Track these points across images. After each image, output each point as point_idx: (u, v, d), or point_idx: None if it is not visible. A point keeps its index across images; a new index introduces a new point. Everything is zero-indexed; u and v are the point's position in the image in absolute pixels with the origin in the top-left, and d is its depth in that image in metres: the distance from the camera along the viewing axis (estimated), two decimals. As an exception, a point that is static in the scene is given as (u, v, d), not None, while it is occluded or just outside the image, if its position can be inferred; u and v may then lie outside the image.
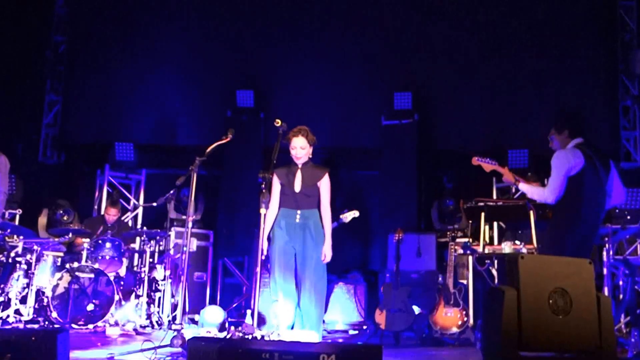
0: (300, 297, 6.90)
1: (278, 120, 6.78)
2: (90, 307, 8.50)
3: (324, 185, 7.03)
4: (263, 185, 6.59)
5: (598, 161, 6.52)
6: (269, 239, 7.01)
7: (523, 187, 6.74)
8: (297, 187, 6.96)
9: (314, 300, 6.86)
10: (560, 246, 6.15)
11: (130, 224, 11.47)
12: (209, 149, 6.94)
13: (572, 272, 4.70)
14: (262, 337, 6.41)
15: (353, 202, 11.09)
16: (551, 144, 6.84)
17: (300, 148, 6.96)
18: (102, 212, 10.73)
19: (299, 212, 6.94)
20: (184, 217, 10.32)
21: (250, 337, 6.20)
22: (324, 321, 9.49)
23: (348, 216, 8.94)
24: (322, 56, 12.35)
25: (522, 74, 11.94)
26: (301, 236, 6.92)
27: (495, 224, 10.88)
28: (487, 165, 7.01)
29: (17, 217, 10.39)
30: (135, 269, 9.57)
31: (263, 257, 6.82)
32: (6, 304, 8.52)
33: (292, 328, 7.01)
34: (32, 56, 12.53)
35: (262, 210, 6.50)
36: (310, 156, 7.09)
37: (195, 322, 9.46)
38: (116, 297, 8.66)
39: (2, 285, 8.62)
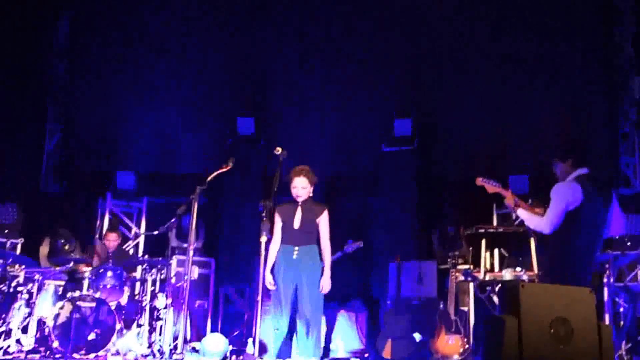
0: (298, 328, 7.08)
1: (279, 148, 6.94)
2: (91, 336, 8.44)
3: (323, 222, 7.25)
4: (264, 214, 6.66)
5: (598, 195, 6.46)
6: (272, 271, 7.18)
7: (521, 213, 6.67)
8: (297, 224, 7.16)
9: (311, 331, 7.04)
10: (558, 275, 6.10)
11: (131, 252, 11.43)
12: (209, 178, 7.08)
13: (573, 301, 4.68)
14: (264, 367, 6.41)
15: (353, 229, 11.09)
16: (553, 169, 6.77)
17: (302, 187, 7.19)
18: (102, 239, 10.69)
19: (296, 248, 7.14)
20: (185, 245, 10.26)
21: (251, 366, 6.18)
22: (329, 349, 9.74)
23: (352, 247, 8.98)
24: (322, 83, 12.39)
25: (522, 101, 11.94)
26: (299, 271, 7.09)
27: (496, 250, 10.84)
28: (491, 186, 6.94)
29: (19, 246, 10.40)
30: (136, 297, 9.52)
31: (273, 288, 7.14)
32: (7, 334, 8.48)
33: (290, 357, 7.19)
34: (33, 84, 12.55)
35: (263, 238, 6.60)
36: (311, 194, 7.28)
37: (197, 351, 9.40)
38: (117, 326, 8.60)
39: (3, 315, 8.58)
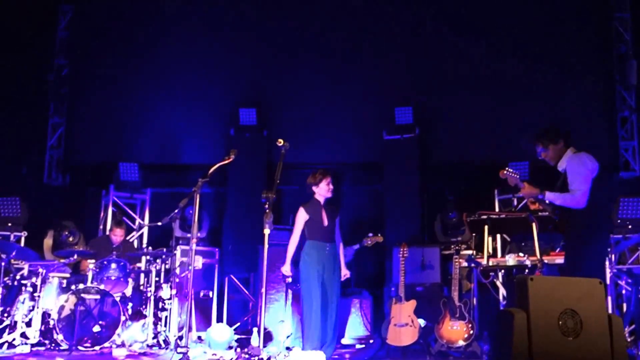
0: (327, 317, 7.40)
1: (280, 140, 6.91)
2: (96, 328, 8.28)
3: (338, 220, 7.77)
4: (266, 206, 6.54)
5: None
6: (296, 263, 7.60)
7: (550, 195, 6.49)
8: (325, 221, 7.56)
9: (336, 320, 7.51)
10: (589, 259, 6.01)
11: (135, 243, 11.26)
12: (211, 170, 7.05)
13: (582, 293, 4.48)
14: (269, 358, 6.28)
15: (356, 217, 10.95)
16: (544, 155, 6.66)
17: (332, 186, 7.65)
18: (108, 233, 10.51)
19: (328, 245, 7.55)
20: (189, 235, 10.13)
21: (256, 359, 6.05)
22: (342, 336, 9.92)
23: (371, 241, 8.97)
24: (323, 73, 12.25)
25: (521, 87, 11.83)
26: (330, 265, 7.50)
27: (498, 235, 10.70)
28: (513, 178, 6.79)
29: (23, 239, 10.29)
30: (141, 288, 9.35)
31: (289, 280, 7.76)
32: (12, 327, 8.35)
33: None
34: (36, 79, 12.41)
35: (266, 231, 6.47)
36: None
37: (202, 341, 9.26)
38: (122, 318, 8.44)
39: (8, 308, 8.47)
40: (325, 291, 7.44)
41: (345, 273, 7.75)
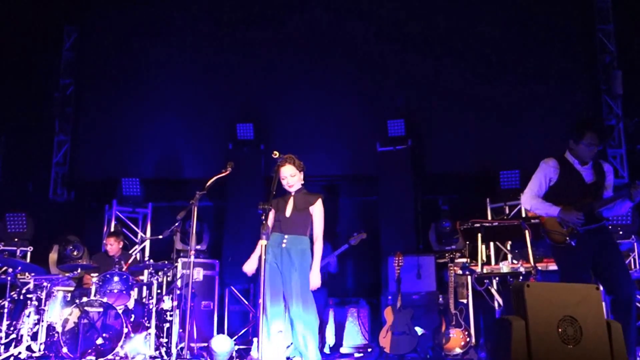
0: (292, 325, 6.30)
1: (276, 152, 6.58)
2: (99, 341, 8.07)
3: (317, 210, 6.50)
4: (263, 217, 6.27)
5: None
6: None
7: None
8: (288, 212, 6.51)
9: (302, 326, 6.23)
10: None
11: (137, 256, 11.07)
12: (208, 183, 6.87)
13: (580, 299, 4.25)
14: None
15: (353, 228, 10.77)
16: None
17: (290, 176, 6.56)
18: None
19: (286, 236, 6.43)
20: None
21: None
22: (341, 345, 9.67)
23: (356, 238, 8.74)
24: (318, 88, 12.20)
25: (510, 98, 11.80)
26: (286, 261, 6.39)
27: (491, 243, 10.52)
28: None
29: (29, 254, 10.22)
30: (143, 300, 9.15)
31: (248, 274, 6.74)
32: (18, 341, 8.17)
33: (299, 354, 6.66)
34: (41, 98, 12.45)
35: (262, 242, 6.13)
36: (302, 182, 6.68)
37: (204, 351, 9.06)
38: (125, 330, 8.22)
39: (14, 322, 8.30)
40: (284, 289, 6.34)
41: (313, 282, 6.29)
